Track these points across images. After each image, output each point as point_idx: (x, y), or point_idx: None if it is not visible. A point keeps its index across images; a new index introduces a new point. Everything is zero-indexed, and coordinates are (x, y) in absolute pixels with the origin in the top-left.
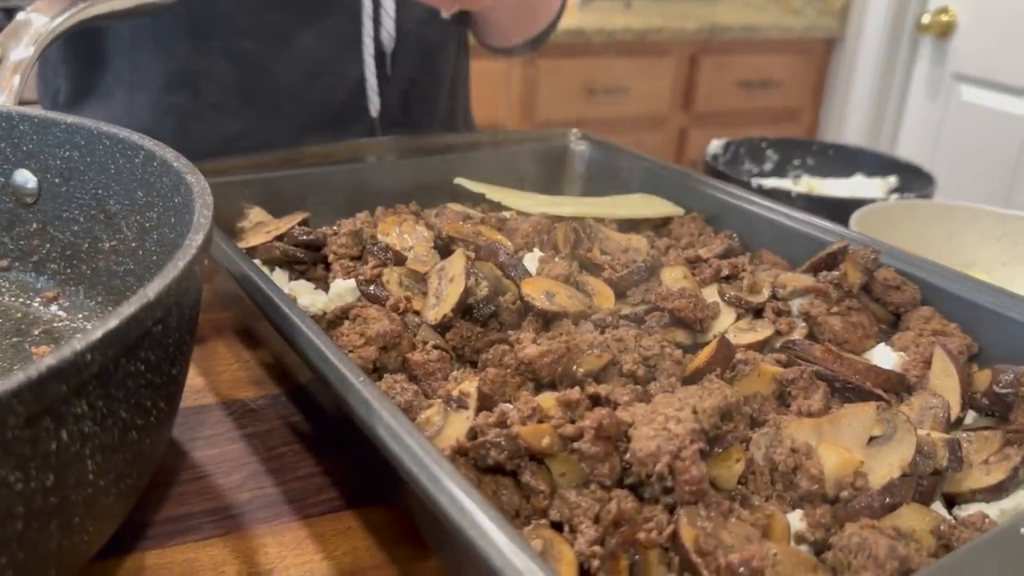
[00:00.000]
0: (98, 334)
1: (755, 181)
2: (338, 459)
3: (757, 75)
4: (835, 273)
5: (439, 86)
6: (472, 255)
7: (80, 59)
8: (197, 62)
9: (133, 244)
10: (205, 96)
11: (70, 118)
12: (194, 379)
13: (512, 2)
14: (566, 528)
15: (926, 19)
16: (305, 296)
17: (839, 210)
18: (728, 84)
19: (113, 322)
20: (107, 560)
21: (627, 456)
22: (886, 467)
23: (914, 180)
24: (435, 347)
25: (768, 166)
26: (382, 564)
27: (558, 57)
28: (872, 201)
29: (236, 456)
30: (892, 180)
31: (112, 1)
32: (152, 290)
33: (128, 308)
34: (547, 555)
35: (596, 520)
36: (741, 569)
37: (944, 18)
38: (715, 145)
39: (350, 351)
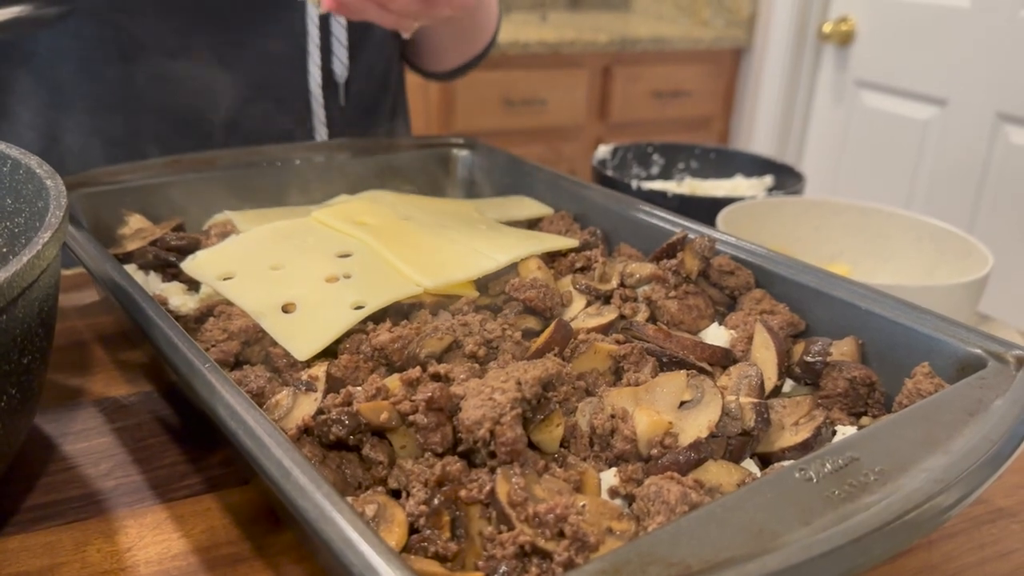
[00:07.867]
0: None
1: (635, 183)
2: (203, 449)
3: (669, 85)
4: (674, 261)
5: (386, 112)
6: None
7: None
8: (125, 85)
9: (4, 250)
10: (134, 121)
11: None
12: (69, 379)
13: (462, 21)
14: (404, 495)
15: (827, 28)
16: (176, 297)
17: (713, 209)
18: (641, 94)
19: None
20: None
21: (457, 426)
22: (695, 428)
23: (788, 179)
24: None
25: (655, 170)
26: (237, 540)
27: (475, 69)
28: (741, 199)
29: (104, 448)
30: (768, 180)
31: None
32: None
33: None
34: (380, 518)
35: (426, 484)
36: (548, 516)
37: (844, 27)
38: (602, 151)
39: (212, 346)
